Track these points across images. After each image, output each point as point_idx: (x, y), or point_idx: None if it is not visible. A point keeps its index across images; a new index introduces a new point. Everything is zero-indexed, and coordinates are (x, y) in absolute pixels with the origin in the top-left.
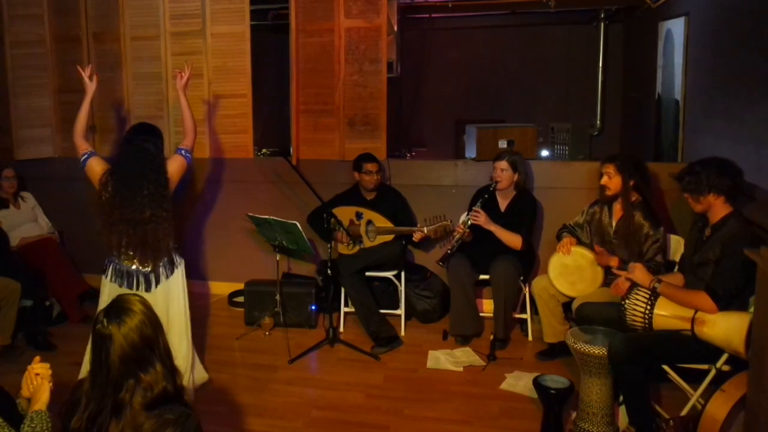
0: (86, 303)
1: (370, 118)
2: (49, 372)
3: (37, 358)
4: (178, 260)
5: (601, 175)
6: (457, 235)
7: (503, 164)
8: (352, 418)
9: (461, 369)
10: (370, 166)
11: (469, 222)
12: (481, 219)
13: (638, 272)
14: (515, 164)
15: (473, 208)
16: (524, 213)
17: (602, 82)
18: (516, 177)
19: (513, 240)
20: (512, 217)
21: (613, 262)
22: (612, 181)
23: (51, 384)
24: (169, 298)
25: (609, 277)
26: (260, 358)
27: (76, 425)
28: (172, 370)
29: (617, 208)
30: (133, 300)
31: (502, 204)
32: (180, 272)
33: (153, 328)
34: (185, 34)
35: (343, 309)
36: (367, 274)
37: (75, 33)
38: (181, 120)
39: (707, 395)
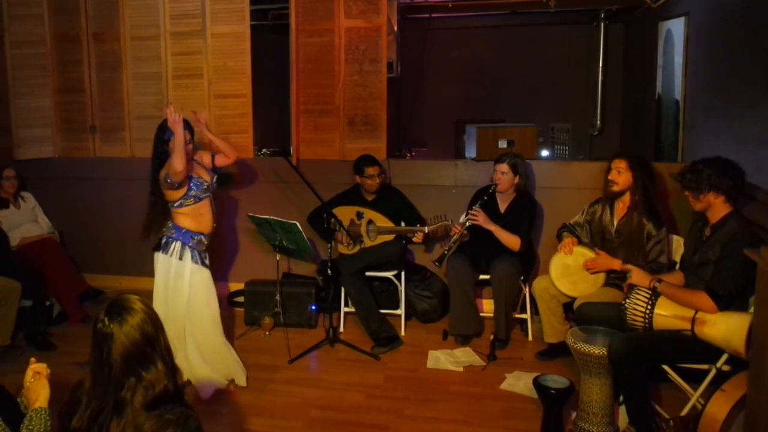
0: (86, 303)
1: (370, 118)
2: (48, 371)
3: (33, 359)
4: (171, 252)
5: (608, 171)
6: (455, 236)
7: (504, 167)
8: (352, 418)
9: (461, 369)
10: (371, 170)
11: (468, 223)
12: (480, 218)
13: (636, 275)
14: (516, 167)
15: (472, 208)
16: (523, 215)
17: (602, 82)
18: (516, 180)
19: (511, 241)
20: (511, 219)
21: (616, 265)
22: (622, 176)
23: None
24: (158, 273)
25: (611, 278)
26: (260, 358)
27: (77, 424)
28: (173, 369)
29: (619, 206)
30: (133, 299)
31: (502, 206)
32: (167, 262)
33: (154, 326)
34: (185, 34)
35: (343, 309)
36: (367, 274)
37: (75, 33)
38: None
39: (707, 395)
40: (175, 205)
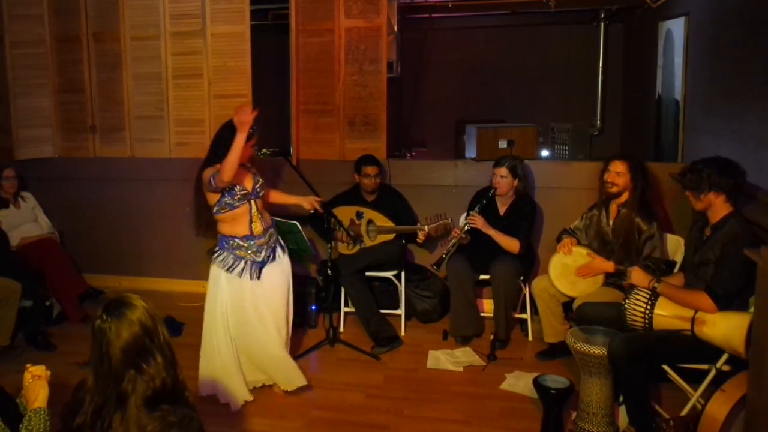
0: (86, 303)
1: (370, 118)
2: (48, 373)
3: (28, 365)
4: (215, 255)
5: (604, 171)
6: (453, 240)
7: (503, 171)
8: (352, 418)
9: (461, 369)
10: (369, 170)
11: (467, 227)
12: (479, 223)
13: (636, 275)
14: (515, 170)
15: (470, 213)
16: (523, 217)
17: (602, 82)
18: (515, 183)
19: (511, 244)
20: (511, 221)
21: (609, 267)
22: (620, 179)
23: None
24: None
25: (609, 278)
26: None
27: (81, 420)
28: (173, 363)
29: (613, 207)
30: (131, 296)
31: (501, 208)
32: (212, 270)
33: (153, 320)
34: (185, 34)
35: (343, 309)
36: (367, 273)
37: (75, 33)
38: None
39: (707, 395)
40: (214, 210)
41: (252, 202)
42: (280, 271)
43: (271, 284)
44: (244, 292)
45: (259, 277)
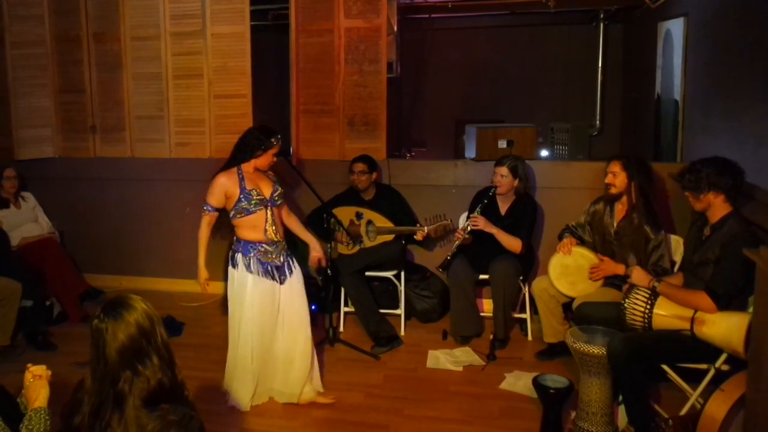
0: (86, 303)
1: (370, 118)
2: (48, 373)
3: (29, 365)
4: (234, 261)
5: (605, 174)
6: (457, 241)
7: (503, 170)
8: (352, 417)
9: (461, 369)
10: (355, 166)
11: (469, 228)
12: (480, 223)
13: (636, 274)
14: (515, 170)
15: (471, 215)
16: (524, 217)
17: (602, 82)
18: (516, 182)
19: (513, 244)
20: (512, 221)
21: (620, 270)
22: (617, 179)
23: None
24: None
25: (609, 278)
26: None
27: (78, 421)
28: (170, 364)
29: (619, 207)
30: (131, 296)
31: (503, 207)
32: (231, 274)
33: (150, 321)
34: (185, 34)
35: (343, 309)
36: (367, 273)
37: (75, 33)
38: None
39: (706, 395)
40: (230, 215)
41: (268, 209)
42: (297, 278)
43: (294, 290)
44: (274, 296)
45: (284, 281)
